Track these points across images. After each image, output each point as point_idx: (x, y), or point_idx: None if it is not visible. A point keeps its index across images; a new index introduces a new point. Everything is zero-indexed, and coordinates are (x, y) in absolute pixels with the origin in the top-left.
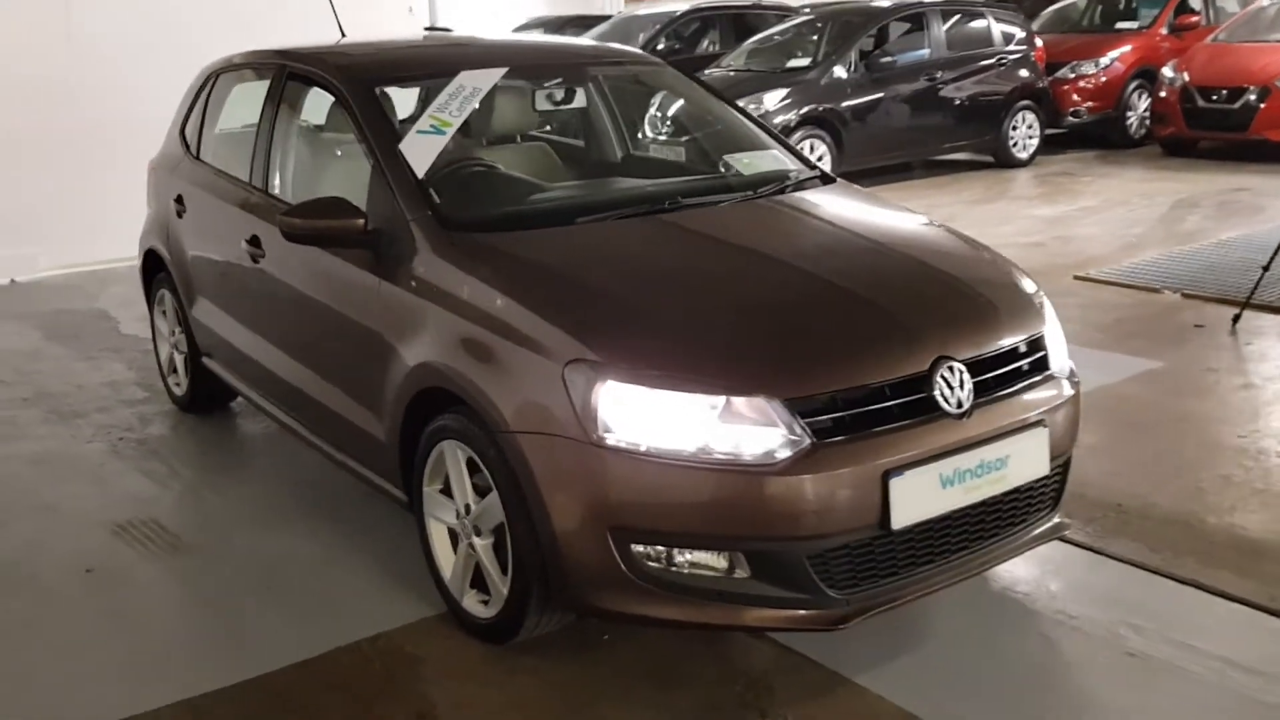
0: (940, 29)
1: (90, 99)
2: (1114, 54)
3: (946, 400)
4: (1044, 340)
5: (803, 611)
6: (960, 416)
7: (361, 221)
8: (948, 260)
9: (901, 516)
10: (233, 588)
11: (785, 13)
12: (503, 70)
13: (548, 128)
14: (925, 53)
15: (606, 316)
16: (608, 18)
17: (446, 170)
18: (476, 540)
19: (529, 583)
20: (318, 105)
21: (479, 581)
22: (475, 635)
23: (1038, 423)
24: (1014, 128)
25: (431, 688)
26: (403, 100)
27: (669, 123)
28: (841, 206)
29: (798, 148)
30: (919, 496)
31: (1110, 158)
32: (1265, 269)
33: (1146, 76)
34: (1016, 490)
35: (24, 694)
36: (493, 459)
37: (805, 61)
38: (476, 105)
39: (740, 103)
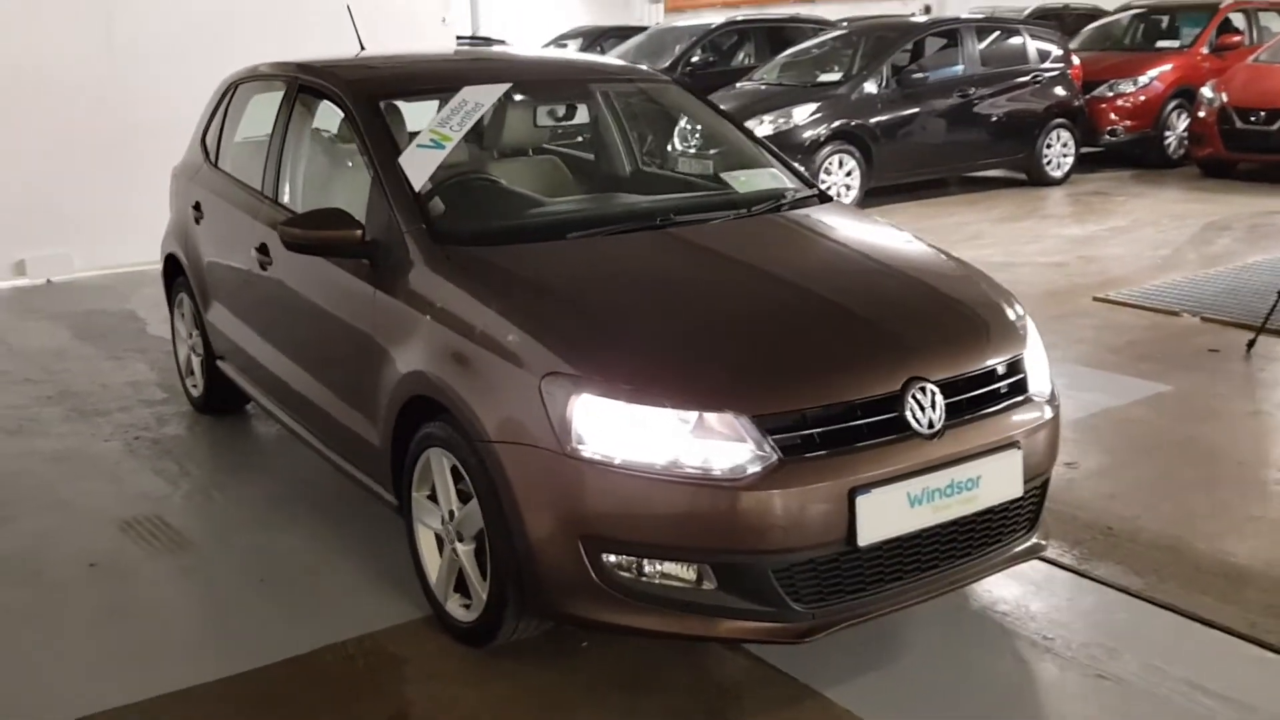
0: (974, 45)
1: (127, 105)
2: (1153, 73)
3: (918, 420)
4: (1023, 362)
5: (768, 624)
6: (931, 437)
7: (359, 233)
8: (930, 283)
9: (868, 534)
10: (230, 585)
11: (823, 27)
12: (505, 86)
13: (552, 143)
14: (959, 69)
15: (585, 331)
16: (645, 29)
17: (446, 184)
18: (459, 545)
19: (505, 588)
20: (327, 117)
21: (463, 586)
22: (457, 638)
23: (1012, 444)
24: (1048, 146)
25: (410, 688)
26: (425, 113)
27: (673, 140)
28: (833, 226)
29: (825, 163)
30: (886, 514)
31: (1146, 178)
32: None
33: (1186, 96)
34: (990, 510)
35: (16, 680)
36: (474, 467)
37: (836, 76)
38: (476, 120)
39: (768, 117)
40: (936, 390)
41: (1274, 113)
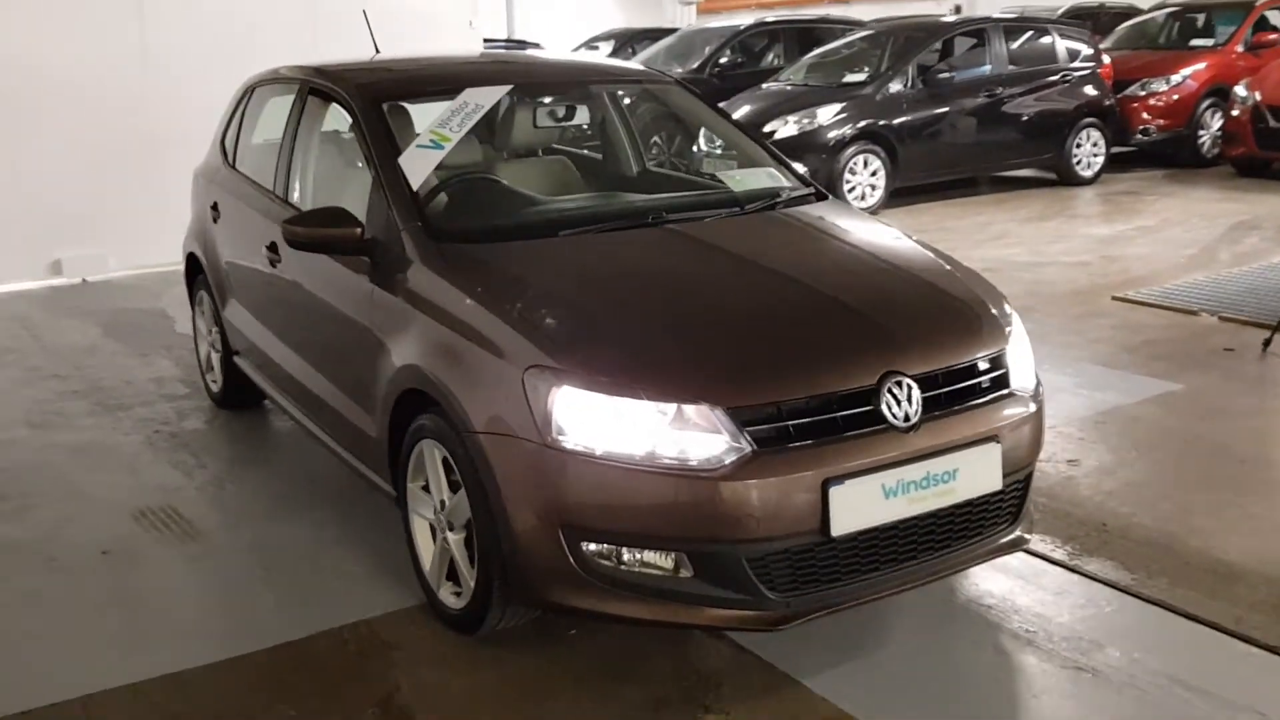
0: (1002, 45)
1: (159, 112)
2: (1186, 71)
3: (893, 414)
4: (1005, 357)
5: (743, 612)
6: (907, 430)
7: (358, 231)
8: (913, 279)
9: (841, 524)
10: (235, 573)
11: (853, 27)
12: (506, 88)
13: (560, 144)
14: (986, 68)
15: (568, 325)
16: (676, 30)
17: (447, 183)
18: (450, 535)
19: (491, 576)
20: (334, 119)
21: (455, 574)
22: (448, 625)
23: (991, 438)
24: (1078, 145)
25: (400, 673)
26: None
27: (673, 140)
28: (822, 225)
29: (849, 164)
30: (860, 505)
31: (1179, 177)
32: None
33: (1221, 95)
34: (969, 503)
35: (23, 657)
36: (461, 458)
37: (862, 76)
38: (477, 122)
39: (793, 117)
40: (914, 384)
41: None
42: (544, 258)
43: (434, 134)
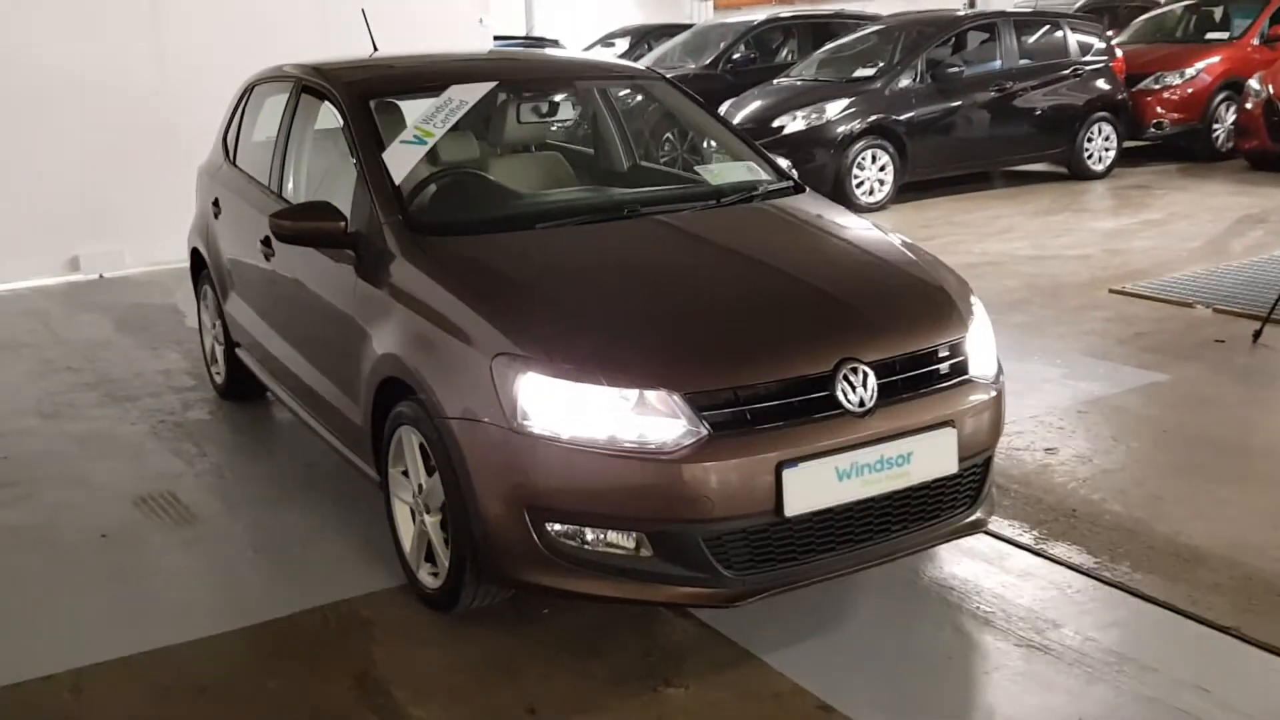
0: (1013, 39)
1: (175, 111)
2: (1200, 65)
3: (848, 399)
4: (964, 345)
5: (700, 589)
6: (863, 415)
7: (342, 224)
8: (875, 269)
9: (795, 505)
10: (227, 555)
11: (867, 22)
12: (491, 85)
13: (548, 140)
14: (996, 63)
15: (534, 314)
16: (691, 26)
17: (429, 178)
18: (426, 517)
19: (463, 556)
20: (325, 116)
21: (433, 556)
22: (427, 605)
23: (946, 423)
24: (1089, 139)
25: (377, 648)
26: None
27: (657, 135)
28: (793, 217)
29: (858, 158)
30: (813, 487)
31: (1192, 171)
32: None
33: (1235, 88)
34: (926, 486)
35: (17, 633)
36: (435, 443)
37: (871, 71)
38: (460, 118)
39: (801, 112)
40: (869, 371)
41: None
42: (519, 249)
43: (417, 130)
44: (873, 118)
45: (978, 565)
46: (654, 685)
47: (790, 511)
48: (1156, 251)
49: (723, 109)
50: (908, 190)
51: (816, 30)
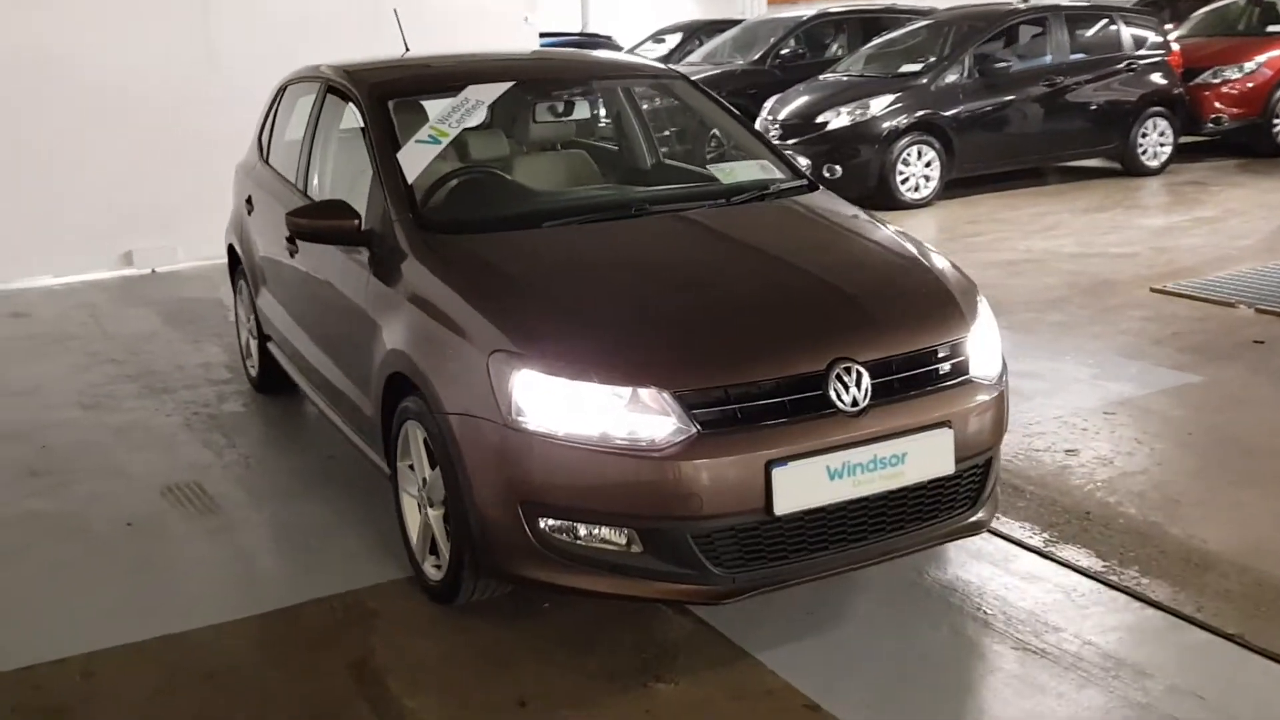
0: (1064, 33)
1: (227, 109)
2: (1261, 59)
3: (840, 398)
4: (964, 345)
5: (689, 586)
6: (855, 415)
7: (356, 222)
8: (876, 268)
9: (784, 504)
10: (245, 545)
11: (920, 17)
12: (508, 85)
13: (559, 138)
14: (1047, 57)
15: (532, 312)
16: (741, 22)
17: (445, 177)
18: (430, 511)
19: (462, 550)
20: (351, 116)
21: (437, 548)
22: (430, 597)
23: (943, 424)
24: (1144, 135)
25: (378, 639)
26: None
27: (675, 133)
28: (799, 216)
29: (903, 154)
30: (803, 486)
31: (1251, 167)
32: None
33: None
34: (922, 486)
35: (34, 618)
36: (436, 437)
37: (918, 66)
38: (476, 117)
39: (845, 108)
40: (863, 370)
41: None
42: (524, 247)
43: (433, 129)
44: (918, 113)
45: (983, 567)
46: (645, 681)
47: (780, 510)
48: (1205, 250)
49: (767, 105)
50: (955, 186)
51: (867, 25)
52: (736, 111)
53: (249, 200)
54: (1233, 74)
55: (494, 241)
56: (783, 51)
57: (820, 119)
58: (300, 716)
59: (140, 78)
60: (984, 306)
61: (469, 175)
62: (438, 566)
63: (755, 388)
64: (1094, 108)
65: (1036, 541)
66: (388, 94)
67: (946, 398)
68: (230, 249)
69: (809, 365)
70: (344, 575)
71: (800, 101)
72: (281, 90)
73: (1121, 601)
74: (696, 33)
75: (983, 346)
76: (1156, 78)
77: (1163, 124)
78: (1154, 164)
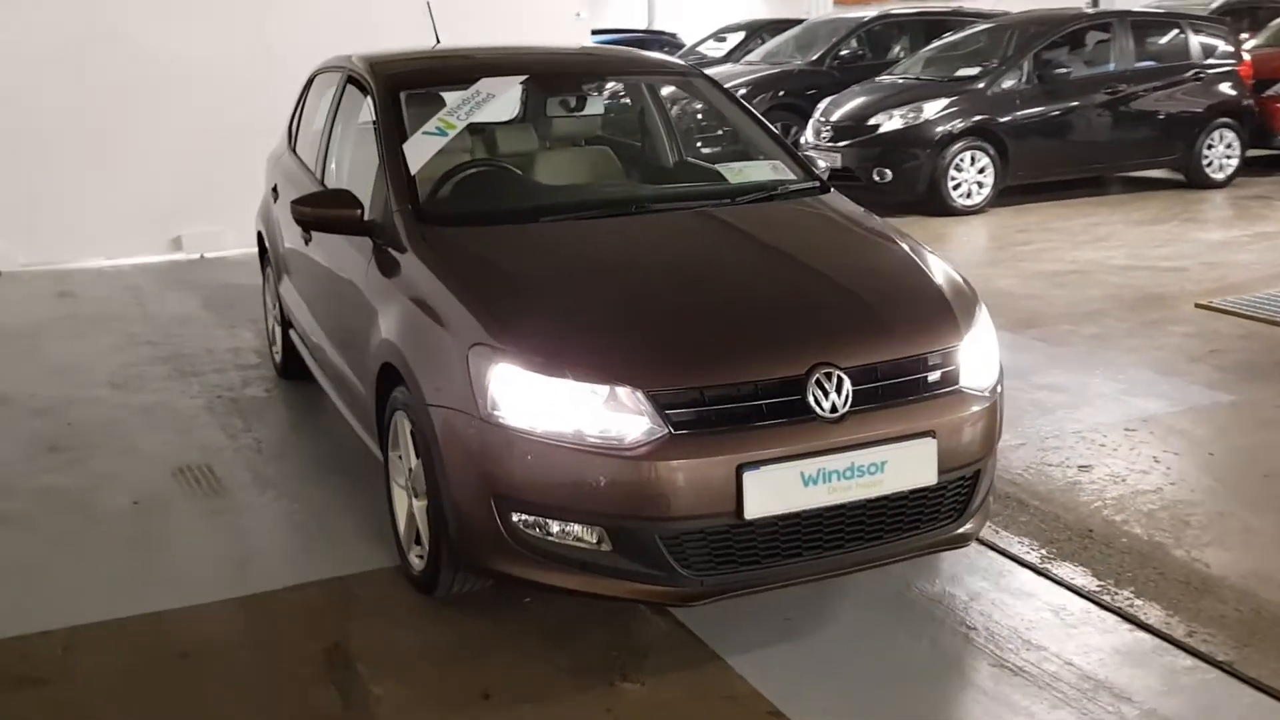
0: (1129, 39)
1: (275, 98)
2: None
3: (819, 404)
4: (955, 354)
5: (656, 587)
6: (834, 421)
7: (358, 212)
8: (871, 272)
9: (755, 508)
10: (243, 528)
11: (981, 20)
12: (520, 78)
13: (574, 134)
14: (1109, 64)
15: (514, 307)
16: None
17: (451, 168)
18: (415, 501)
19: (440, 542)
20: (365, 106)
21: (422, 539)
22: (413, 586)
23: (926, 433)
24: (1209, 146)
25: (355, 625)
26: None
27: (700, 132)
28: (801, 218)
29: (955, 160)
30: (775, 491)
31: None
32: None
33: None
34: (903, 496)
35: (26, 590)
36: (418, 428)
37: (974, 71)
38: (486, 110)
39: (898, 111)
40: (845, 376)
41: None
42: (518, 242)
43: (440, 121)
44: (973, 118)
45: (975, 580)
46: (612, 679)
47: (750, 514)
48: (1258, 266)
49: (820, 106)
50: (1011, 193)
51: (931, 27)
52: (754, 110)
53: (275, 188)
54: None
55: (489, 235)
56: (842, 52)
57: (872, 121)
58: (265, 697)
59: (198, 67)
60: (982, 315)
61: (475, 169)
62: (421, 557)
63: (732, 390)
64: (1157, 117)
65: (1033, 558)
66: (400, 85)
67: (932, 407)
68: (259, 236)
69: (789, 369)
70: (335, 561)
71: (854, 103)
72: (311, 80)
73: (1111, 622)
74: (759, 31)
75: (976, 356)
76: (1225, 88)
77: (1230, 136)
78: (1219, 176)
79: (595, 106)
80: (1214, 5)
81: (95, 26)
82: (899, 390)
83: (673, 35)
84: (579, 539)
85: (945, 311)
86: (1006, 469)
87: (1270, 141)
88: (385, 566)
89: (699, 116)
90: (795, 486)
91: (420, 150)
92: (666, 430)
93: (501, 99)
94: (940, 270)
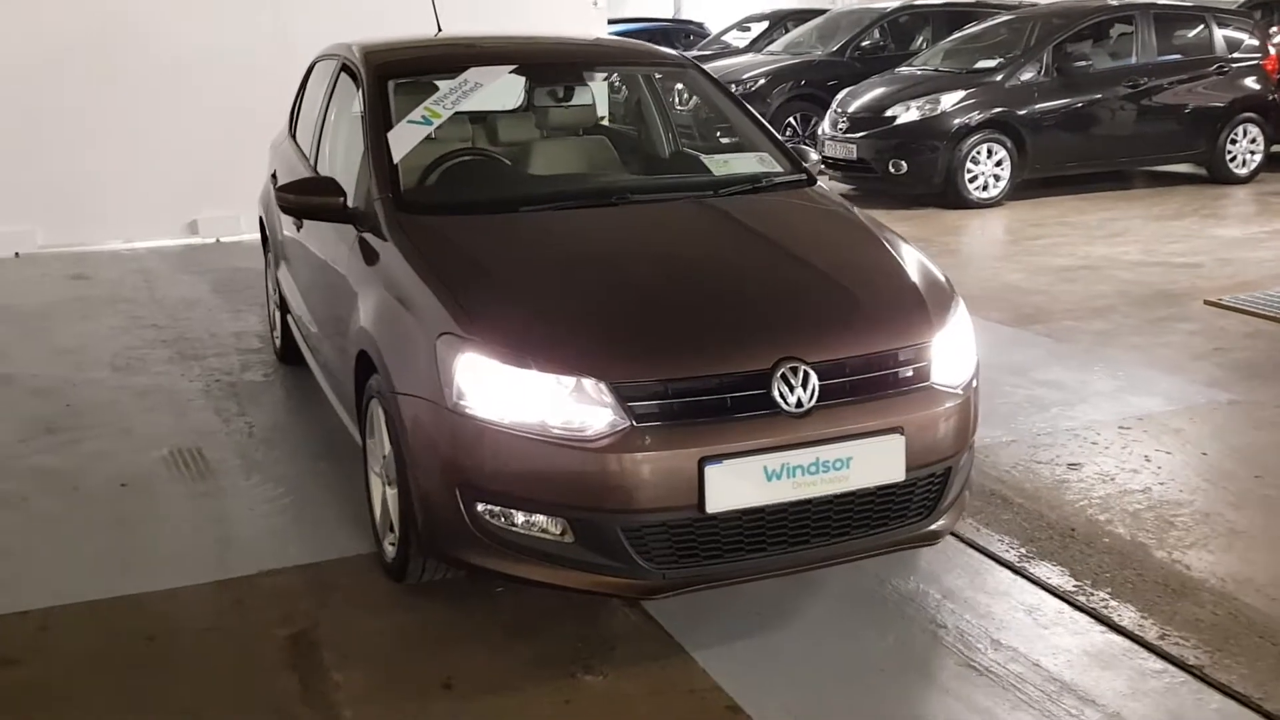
0: (1150, 32)
1: (289, 86)
2: None
3: (784, 399)
4: (928, 350)
5: (617, 579)
6: (800, 416)
7: (341, 200)
8: (844, 267)
9: (717, 502)
10: (226, 512)
11: (1004, 11)
12: (508, 68)
13: (560, 123)
14: (1130, 57)
15: (483, 297)
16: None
17: (435, 158)
18: (387, 489)
19: (410, 530)
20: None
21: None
22: (386, 574)
23: (894, 430)
24: (1233, 141)
25: (326, 611)
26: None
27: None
28: (780, 210)
29: (972, 152)
30: (738, 486)
31: None
32: None
33: None
34: (870, 493)
35: (12, 568)
36: (389, 416)
37: (993, 63)
38: (472, 99)
39: (915, 103)
40: (811, 371)
41: None
42: (495, 232)
43: (426, 110)
44: (991, 111)
45: (950, 578)
46: (574, 671)
47: (712, 508)
48: (1273, 263)
49: (838, 97)
50: (1029, 187)
51: (955, 18)
52: (745, 103)
53: (274, 175)
54: None
55: (465, 225)
56: (864, 43)
57: (889, 113)
58: (226, 682)
59: (213, 53)
60: (959, 311)
61: (459, 159)
62: (393, 544)
63: (697, 383)
64: (1180, 111)
65: (1011, 556)
66: (389, 73)
67: (901, 403)
68: (260, 221)
69: (754, 363)
70: (314, 547)
71: (871, 94)
72: (312, 67)
73: (1084, 623)
74: (783, 21)
75: (950, 352)
76: (1249, 82)
77: (1254, 130)
78: (1242, 172)
79: (584, 96)
80: None
81: (117, 15)
82: (867, 386)
83: (699, 25)
84: (543, 530)
85: (918, 307)
86: (994, 466)
87: None
88: (363, 553)
89: (681, 107)
90: (758, 481)
91: (404, 139)
92: (629, 422)
93: (494, 88)
94: (916, 265)
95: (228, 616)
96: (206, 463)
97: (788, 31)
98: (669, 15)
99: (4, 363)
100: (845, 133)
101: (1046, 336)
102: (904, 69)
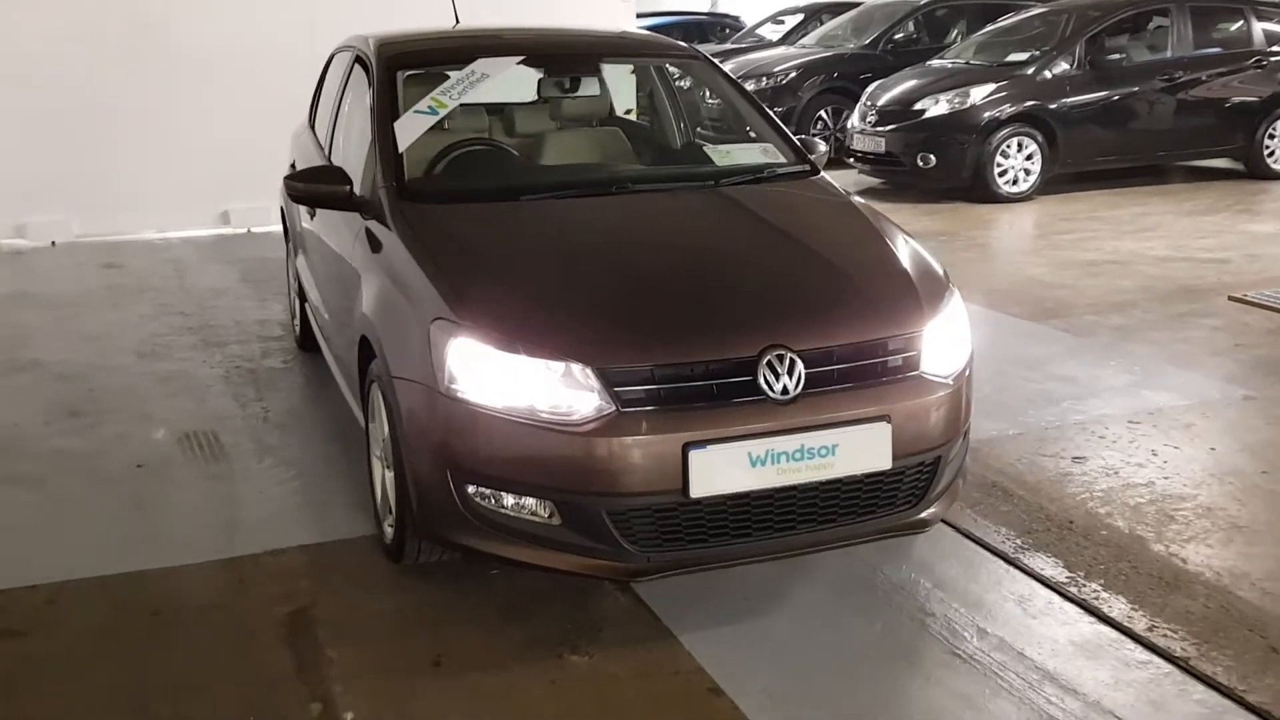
0: (1186, 25)
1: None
2: None
3: (770, 386)
4: (918, 339)
5: (603, 561)
6: (785, 403)
7: (348, 188)
8: (836, 256)
9: (701, 487)
10: (237, 494)
11: (1035, 4)
12: (515, 59)
13: (570, 114)
14: (1165, 50)
15: (477, 283)
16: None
17: (442, 148)
18: (387, 472)
19: (404, 512)
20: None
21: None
22: (385, 555)
23: (881, 418)
24: (1271, 136)
25: (324, 590)
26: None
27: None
28: (785, 200)
29: (1002, 146)
30: (722, 471)
31: None
32: None
33: None
34: (857, 480)
35: (25, 544)
36: (386, 400)
37: (1025, 56)
38: (479, 89)
39: (945, 96)
40: (797, 358)
41: None
42: (494, 219)
43: (432, 100)
44: (1022, 104)
45: (944, 567)
46: (561, 652)
47: (696, 493)
48: None
49: (868, 90)
50: (1061, 181)
51: (989, 11)
52: (751, 94)
53: (294, 164)
54: None
55: (466, 213)
56: (897, 36)
57: (918, 106)
58: (223, 657)
59: (245, 44)
60: (953, 301)
61: (465, 148)
62: (392, 526)
63: (684, 369)
64: (1216, 106)
65: (1007, 547)
66: (398, 64)
67: (888, 392)
68: (281, 211)
69: (741, 351)
70: (318, 529)
71: (900, 88)
72: (331, 58)
73: (1073, 614)
74: (818, 13)
75: (942, 342)
76: None
77: None
78: None
79: (591, 87)
80: None
81: (150, 10)
82: (854, 374)
83: (735, 18)
84: (532, 513)
85: (909, 296)
86: (998, 458)
87: None
88: (365, 535)
89: (712, 99)
90: (743, 466)
91: (410, 128)
92: (615, 407)
93: (504, 79)
94: (911, 255)
95: (230, 594)
96: (221, 446)
97: (822, 24)
98: (705, 9)
99: (33, 348)
100: (874, 126)
101: (1065, 331)
102: (935, 62)
